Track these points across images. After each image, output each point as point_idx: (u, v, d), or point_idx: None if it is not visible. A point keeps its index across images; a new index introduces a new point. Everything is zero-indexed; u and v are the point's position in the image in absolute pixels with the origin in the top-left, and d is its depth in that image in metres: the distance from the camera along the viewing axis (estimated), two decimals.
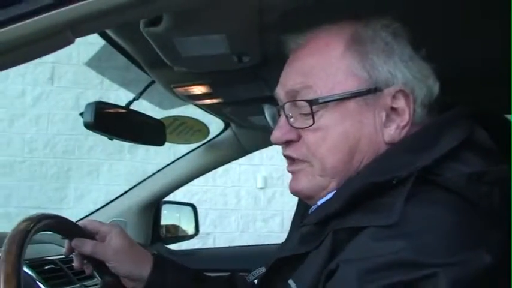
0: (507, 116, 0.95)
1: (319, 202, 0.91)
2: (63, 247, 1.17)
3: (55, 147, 5.02)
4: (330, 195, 0.89)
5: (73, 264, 1.15)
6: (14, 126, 4.98)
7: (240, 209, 5.30)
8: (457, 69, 1.07)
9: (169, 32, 0.93)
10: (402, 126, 0.87)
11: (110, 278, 1.15)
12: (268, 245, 2.57)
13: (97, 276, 1.19)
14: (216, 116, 1.89)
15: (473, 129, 0.85)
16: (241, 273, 1.22)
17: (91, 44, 2.98)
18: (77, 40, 0.75)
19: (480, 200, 0.78)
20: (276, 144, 0.93)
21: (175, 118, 1.84)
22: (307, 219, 0.89)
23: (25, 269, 1.36)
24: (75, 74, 4.36)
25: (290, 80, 0.90)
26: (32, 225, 0.97)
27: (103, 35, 1.13)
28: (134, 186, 2.21)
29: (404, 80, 0.86)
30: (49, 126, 4.97)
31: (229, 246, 2.93)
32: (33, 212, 1.05)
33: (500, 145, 0.86)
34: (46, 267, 1.43)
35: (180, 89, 1.37)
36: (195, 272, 1.21)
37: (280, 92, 0.93)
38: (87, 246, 1.09)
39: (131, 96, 1.47)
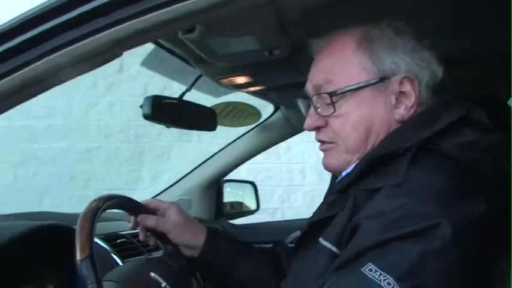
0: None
1: (344, 173, 1.08)
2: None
3: (128, 133, 5.29)
4: (351, 168, 1.06)
5: (139, 237, 1.36)
6: (89, 115, 5.27)
7: (305, 184, 5.44)
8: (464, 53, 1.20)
9: (203, 37, 1.10)
10: (410, 107, 1.04)
11: (171, 247, 1.34)
12: None
13: (161, 246, 1.38)
14: (265, 100, 2.05)
15: (472, 109, 0.99)
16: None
17: None
18: None
19: (473, 164, 0.93)
20: (308, 130, 1.11)
21: (227, 104, 2.01)
22: (329, 188, 1.09)
23: (100, 242, 1.58)
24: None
25: (315, 77, 1.08)
26: (101, 204, 1.16)
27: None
28: (197, 167, 2.41)
29: (407, 68, 1.03)
30: (121, 113, 5.25)
31: (288, 220, 3.08)
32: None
33: (497, 125, 0.99)
34: (118, 241, 1.63)
35: (225, 80, 1.54)
36: (243, 243, 1.40)
37: (308, 87, 1.11)
38: (151, 220, 1.30)
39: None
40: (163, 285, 1.18)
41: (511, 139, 0.90)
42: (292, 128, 2.23)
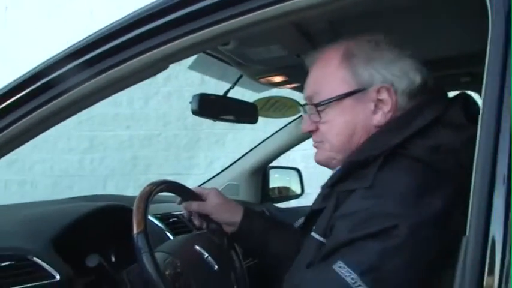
0: None
1: (334, 171, 1.24)
2: None
3: (186, 120, 5.47)
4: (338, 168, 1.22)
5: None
6: (149, 104, 5.50)
7: None
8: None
9: (237, 48, 1.31)
10: (387, 112, 1.16)
11: (214, 226, 1.55)
12: None
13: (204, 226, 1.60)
14: None
15: (447, 109, 1.13)
16: None
17: None
18: None
19: (437, 165, 1.05)
20: (304, 133, 1.30)
21: (269, 98, 2.21)
22: (325, 183, 1.24)
23: (156, 221, 1.82)
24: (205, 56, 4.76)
25: (307, 88, 1.26)
26: (154, 188, 1.36)
27: None
28: (244, 155, 2.62)
29: (383, 79, 1.16)
30: (179, 102, 5.43)
31: None
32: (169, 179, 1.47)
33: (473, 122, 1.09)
34: (171, 220, 1.87)
35: (262, 80, 1.74)
36: (277, 221, 1.60)
37: (304, 96, 1.28)
38: (194, 205, 1.51)
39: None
40: (205, 256, 1.38)
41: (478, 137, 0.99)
42: None
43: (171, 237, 1.75)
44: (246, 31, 1.04)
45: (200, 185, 2.63)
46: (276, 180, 2.83)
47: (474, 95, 1.32)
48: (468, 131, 1.05)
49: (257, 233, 1.50)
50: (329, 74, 1.20)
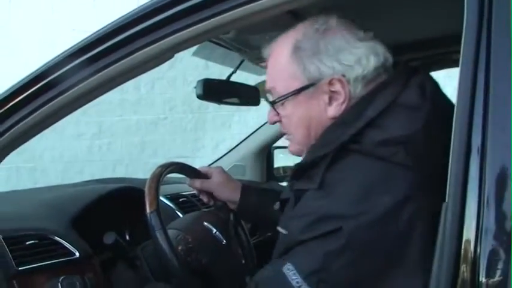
0: None
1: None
2: None
3: (191, 104, 5.53)
4: None
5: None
6: (155, 88, 5.58)
7: None
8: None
9: (238, 35, 1.39)
10: (341, 103, 1.12)
11: (220, 203, 1.64)
12: None
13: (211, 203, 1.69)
14: None
15: (401, 92, 1.09)
16: None
17: None
18: None
19: (387, 159, 1.02)
20: (270, 124, 1.28)
21: None
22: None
23: (166, 201, 1.91)
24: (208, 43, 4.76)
25: (267, 83, 1.24)
26: (163, 169, 1.45)
27: None
28: (248, 137, 2.69)
29: (332, 71, 1.12)
30: (184, 86, 5.49)
31: None
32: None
33: (427, 100, 1.08)
34: (180, 200, 1.96)
35: (263, 64, 1.80)
36: (274, 193, 1.61)
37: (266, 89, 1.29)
38: (197, 183, 1.59)
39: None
40: (214, 231, 1.46)
41: (455, 113, 0.94)
42: None
43: (180, 215, 1.84)
44: (246, 21, 1.11)
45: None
46: (281, 159, 2.90)
47: None
48: (422, 111, 1.06)
49: (256, 207, 1.57)
50: (281, 70, 1.19)
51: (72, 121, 5.48)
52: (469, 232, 0.86)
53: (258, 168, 2.68)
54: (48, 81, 1.19)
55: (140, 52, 1.15)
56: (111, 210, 1.66)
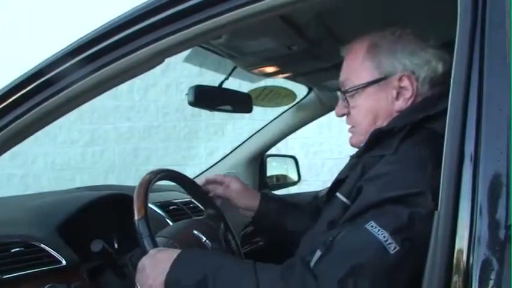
0: None
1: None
2: (184, 193, 1.74)
3: (185, 111, 5.51)
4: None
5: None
6: (148, 95, 5.57)
7: None
8: None
9: (229, 41, 1.37)
10: (408, 98, 1.27)
11: (212, 211, 1.62)
12: None
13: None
14: (299, 83, 2.29)
15: None
16: None
17: None
18: None
19: None
20: (337, 116, 1.41)
21: (264, 88, 2.28)
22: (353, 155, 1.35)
23: (156, 209, 1.89)
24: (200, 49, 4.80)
25: (341, 76, 1.36)
26: (153, 176, 1.43)
27: None
28: (240, 145, 2.68)
29: (404, 68, 1.26)
30: (177, 93, 5.49)
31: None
32: None
33: None
34: (171, 208, 1.94)
35: (255, 70, 1.80)
36: (290, 202, 1.69)
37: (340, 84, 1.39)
38: (219, 189, 1.64)
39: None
40: (203, 239, 1.45)
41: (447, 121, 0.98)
42: (324, 107, 2.45)
43: (170, 223, 1.82)
44: (237, 25, 1.10)
45: (199, 175, 2.70)
46: (274, 168, 2.89)
47: None
48: None
49: (273, 214, 1.62)
50: (356, 63, 1.31)
51: (65, 128, 5.46)
52: (461, 241, 0.85)
53: (250, 176, 2.67)
54: (37, 84, 1.17)
55: (130, 56, 1.14)
56: (100, 217, 1.64)
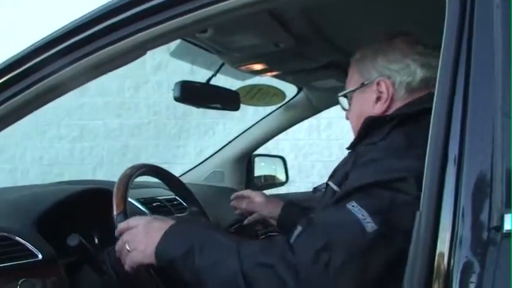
0: None
1: None
2: (168, 190, 1.76)
3: (175, 110, 5.50)
4: None
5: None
6: (139, 93, 5.54)
7: None
8: None
9: (215, 35, 1.35)
10: (384, 101, 1.33)
11: (195, 209, 1.61)
12: None
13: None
14: (287, 82, 2.27)
15: None
16: None
17: None
18: None
19: None
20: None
21: (253, 86, 2.25)
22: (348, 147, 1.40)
23: (139, 205, 1.86)
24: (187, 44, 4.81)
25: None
26: (134, 171, 1.42)
27: None
28: (228, 143, 2.66)
29: (380, 74, 1.33)
30: (169, 91, 5.46)
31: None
32: None
33: None
34: (154, 204, 1.91)
35: (243, 67, 1.78)
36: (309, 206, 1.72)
37: None
38: (244, 203, 1.83)
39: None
40: None
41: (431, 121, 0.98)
42: (313, 107, 2.44)
43: None
44: (220, 19, 1.09)
45: (186, 172, 2.68)
46: (262, 168, 2.87)
47: None
48: None
49: (294, 217, 1.65)
50: (350, 72, 1.44)
51: (54, 123, 5.42)
52: (443, 243, 0.83)
53: (237, 174, 2.66)
54: (14, 75, 1.14)
55: (110, 47, 1.12)
56: (79, 212, 1.60)
